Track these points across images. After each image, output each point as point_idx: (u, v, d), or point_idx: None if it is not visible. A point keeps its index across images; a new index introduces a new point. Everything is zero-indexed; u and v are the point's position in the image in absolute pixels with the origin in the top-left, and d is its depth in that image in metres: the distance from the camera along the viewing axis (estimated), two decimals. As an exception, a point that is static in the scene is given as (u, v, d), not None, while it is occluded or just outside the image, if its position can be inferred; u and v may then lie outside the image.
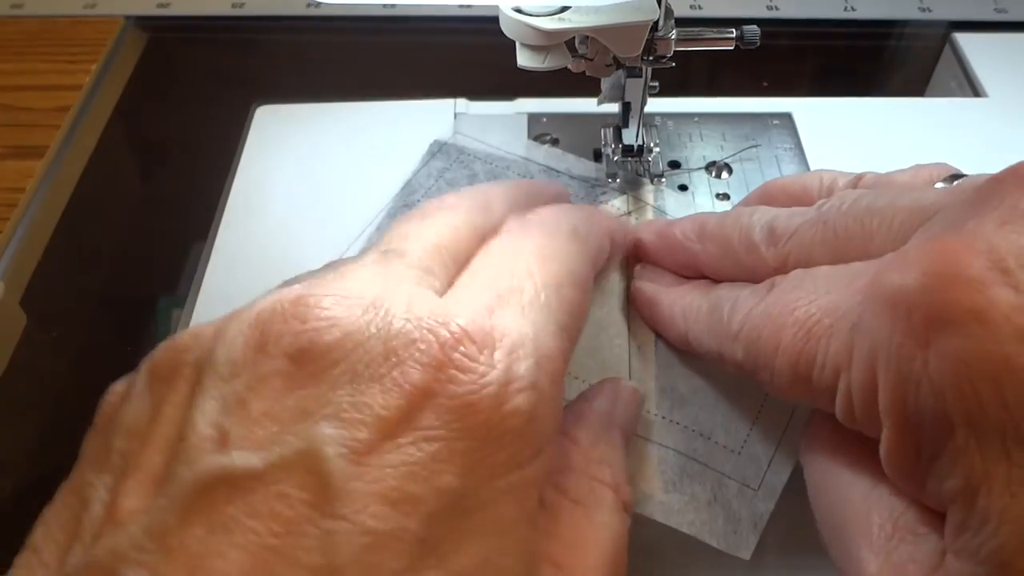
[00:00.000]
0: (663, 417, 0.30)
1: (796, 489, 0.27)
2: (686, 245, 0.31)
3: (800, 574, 0.30)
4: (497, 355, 0.21)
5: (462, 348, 0.20)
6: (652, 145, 0.39)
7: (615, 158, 0.39)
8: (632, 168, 0.39)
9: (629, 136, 0.38)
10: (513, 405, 0.20)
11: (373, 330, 0.20)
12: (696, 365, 0.31)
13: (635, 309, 0.33)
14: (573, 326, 0.24)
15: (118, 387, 0.23)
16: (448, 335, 0.20)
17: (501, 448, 0.20)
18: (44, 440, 0.38)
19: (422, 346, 0.20)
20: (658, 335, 0.32)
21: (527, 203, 0.30)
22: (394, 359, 0.20)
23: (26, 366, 0.39)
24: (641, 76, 0.35)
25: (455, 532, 0.19)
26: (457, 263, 0.24)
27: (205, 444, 0.19)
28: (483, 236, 0.26)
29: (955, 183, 0.27)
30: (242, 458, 0.18)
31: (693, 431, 0.30)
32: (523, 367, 0.21)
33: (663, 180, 0.39)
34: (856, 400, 0.21)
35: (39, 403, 0.39)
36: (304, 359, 0.20)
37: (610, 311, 0.33)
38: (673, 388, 0.31)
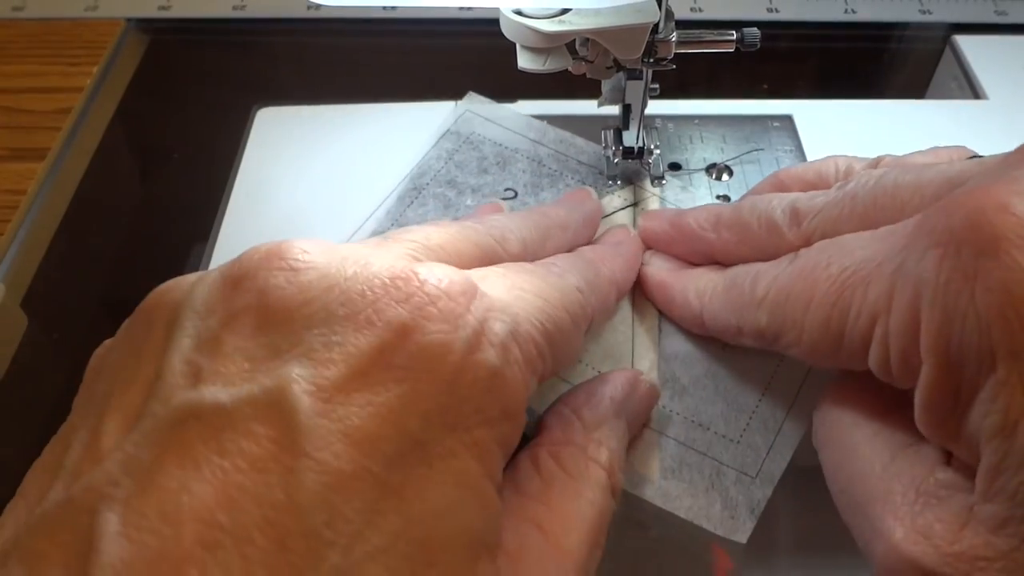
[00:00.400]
0: (663, 406, 0.31)
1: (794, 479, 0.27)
2: (700, 234, 0.31)
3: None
4: (475, 305, 0.21)
5: (441, 290, 0.20)
6: (652, 147, 0.39)
7: (616, 160, 0.39)
8: (633, 170, 0.39)
9: (629, 138, 0.38)
10: (484, 355, 0.20)
11: (350, 272, 0.20)
12: (697, 356, 0.32)
13: (645, 294, 0.33)
14: (551, 354, 0.24)
15: (107, 342, 0.23)
16: (430, 277, 0.21)
17: (468, 398, 0.20)
18: (45, 442, 0.38)
19: (400, 284, 0.20)
20: (667, 319, 0.32)
21: (546, 238, 0.30)
22: (370, 296, 0.20)
23: (27, 368, 0.39)
24: (641, 78, 0.35)
25: (417, 478, 0.19)
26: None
27: (178, 380, 0.19)
28: (489, 261, 0.26)
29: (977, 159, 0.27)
30: (212, 394, 0.18)
31: (692, 421, 0.30)
32: (498, 326, 0.21)
33: (664, 182, 0.39)
34: (894, 345, 0.22)
35: (40, 405, 0.39)
36: (277, 296, 0.20)
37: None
38: (674, 378, 0.31)
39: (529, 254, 0.29)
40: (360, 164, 0.41)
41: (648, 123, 0.41)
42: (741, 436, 0.30)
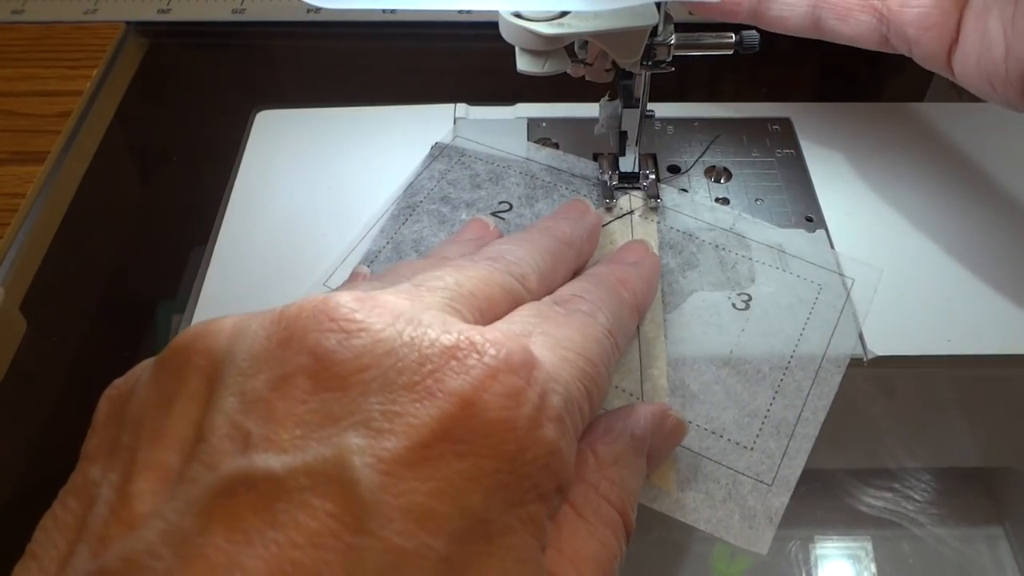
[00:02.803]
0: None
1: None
2: None
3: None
4: (535, 378, 0.20)
5: (501, 361, 0.19)
6: (648, 172, 0.39)
7: (612, 183, 0.39)
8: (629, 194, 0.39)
9: (626, 164, 0.38)
10: (544, 432, 0.19)
11: (407, 338, 0.19)
12: (705, 360, 0.32)
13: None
14: (590, 413, 0.23)
15: (119, 382, 0.21)
16: (490, 346, 0.20)
17: (528, 475, 0.19)
18: (44, 446, 0.38)
19: (460, 355, 0.19)
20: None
21: (558, 263, 0.29)
22: (430, 366, 0.19)
23: (26, 372, 0.39)
24: (637, 107, 0.35)
25: (477, 555, 0.18)
26: (485, 315, 0.24)
27: (225, 444, 0.18)
28: (516, 303, 0.25)
29: None
30: (264, 461, 0.17)
31: (705, 429, 0.30)
32: (556, 399, 0.20)
33: (660, 200, 0.38)
34: None
35: (39, 409, 0.39)
36: (331, 360, 0.19)
37: None
38: (684, 385, 0.31)
39: (545, 285, 0.28)
40: (359, 167, 0.41)
41: (646, 127, 0.41)
42: (755, 442, 0.30)
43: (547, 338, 0.23)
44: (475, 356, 0.19)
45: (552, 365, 0.22)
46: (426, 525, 0.17)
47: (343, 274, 0.36)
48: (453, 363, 0.19)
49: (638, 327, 0.33)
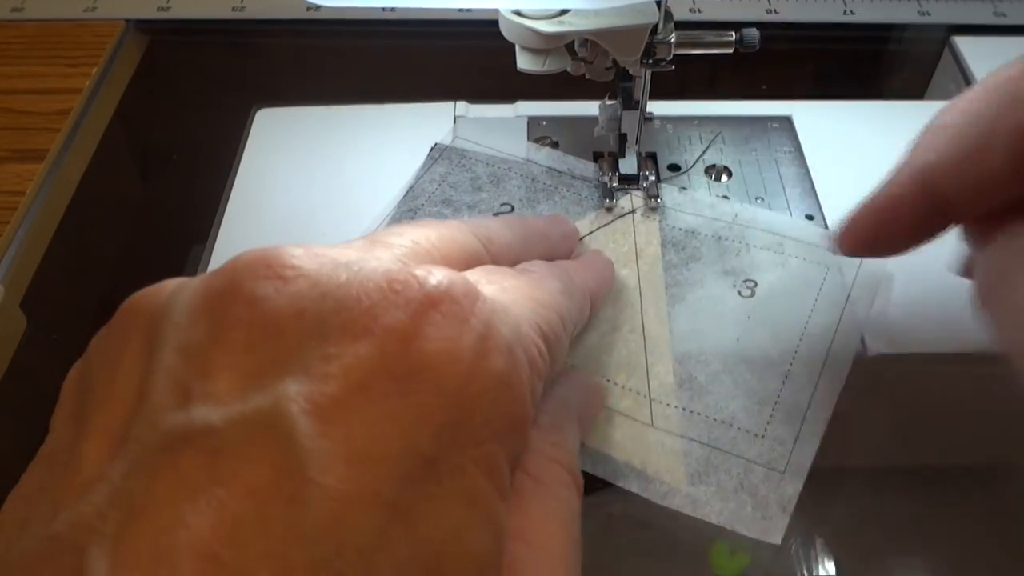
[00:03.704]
0: (683, 408, 0.30)
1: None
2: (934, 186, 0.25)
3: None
4: (478, 308, 0.19)
5: (442, 292, 0.19)
6: (648, 174, 0.39)
7: (612, 185, 0.39)
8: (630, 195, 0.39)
9: (626, 166, 0.38)
10: (492, 362, 0.19)
11: (343, 279, 0.19)
12: (712, 352, 0.32)
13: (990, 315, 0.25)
14: (549, 357, 0.23)
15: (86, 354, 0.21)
16: (429, 279, 0.19)
17: (477, 410, 0.18)
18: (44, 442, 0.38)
19: (397, 287, 0.18)
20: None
21: (527, 245, 0.29)
22: (366, 302, 0.18)
23: (27, 369, 0.39)
24: (637, 109, 0.35)
25: (425, 498, 0.17)
26: None
27: (165, 400, 0.17)
28: (473, 263, 0.25)
29: None
30: (203, 415, 0.17)
31: (715, 420, 0.30)
32: (504, 329, 0.20)
33: (660, 200, 0.38)
34: None
35: (39, 406, 0.39)
36: (267, 307, 0.18)
37: (622, 308, 0.33)
38: (691, 378, 0.31)
39: (511, 257, 0.28)
40: (359, 165, 0.41)
41: (646, 130, 0.41)
42: (765, 429, 0.30)
43: (495, 286, 0.23)
44: (415, 287, 0.19)
45: (499, 301, 0.21)
46: (369, 469, 0.16)
47: None
48: (391, 295, 0.18)
49: (642, 325, 0.33)
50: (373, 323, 0.18)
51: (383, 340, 0.18)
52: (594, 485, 0.29)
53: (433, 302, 0.19)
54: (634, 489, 0.29)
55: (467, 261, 0.25)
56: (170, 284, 0.20)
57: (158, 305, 0.19)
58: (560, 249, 0.33)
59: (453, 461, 0.18)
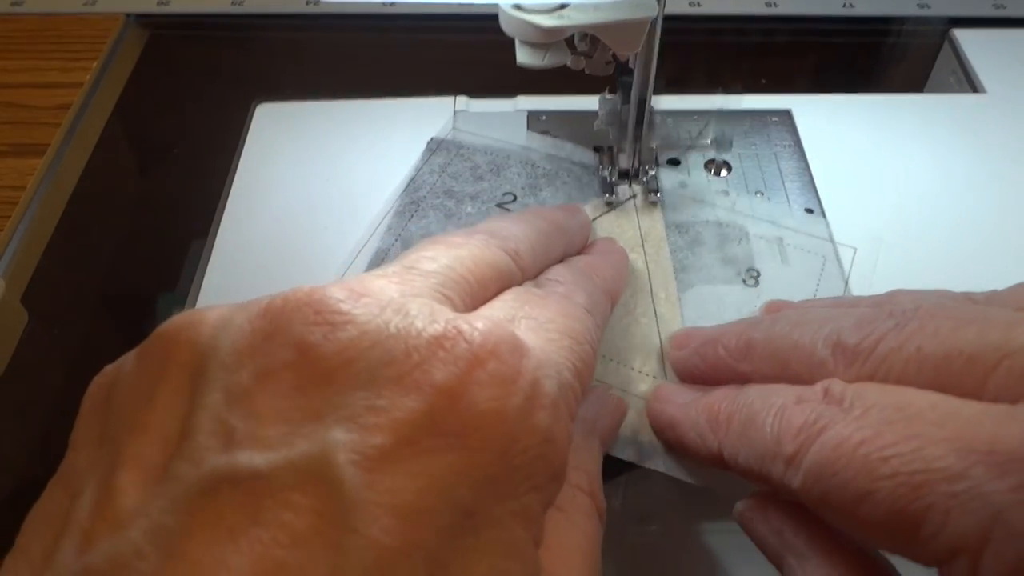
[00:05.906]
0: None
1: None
2: (733, 366, 0.28)
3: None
4: (525, 365, 0.20)
5: (489, 351, 0.19)
6: (647, 168, 0.39)
7: (612, 179, 0.39)
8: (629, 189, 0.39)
9: (625, 160, 0.39)
10: (538, 420, 0.19)
11: (392, 329, 0.19)
12: None
13: (656, 434, 0.30)
14: (581, 384, 0.23)
15: (109, 369, 0.21)
16: (478, 335, 0.19)
17: (520, 467, 0.19)
18: (45, 438, 0.38)
19: (448, 344, 0.19)
20: (688, 456, 0.29)
21: (549, 246, 0.29)
22: (416, 358, 0.18)
23: (27, 364, 0.39)
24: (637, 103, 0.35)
25: (464, 551, 0.18)
26: (475, 299, 0.24)
27: (209, 441, 0.17)
28: (506, 284, 0.25)
29: None
30: (248, 459, 0.17)
31: None
32: (549, 384, 0.20)
33: (659, 195, 0.38)
34: None
35: (40, 401, 0.39)
36: (316, 354, 0.18)
37: (635, 292, 0.34)
38: None
39: (536, 264, 0.28)
40: (360, 159, 0.41)
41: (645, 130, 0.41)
42: None
43: (530, 321, 0.23)
44: (463, 345, 0.19)
45: (541, 350, 0.21)
46: (412, 522, 0.17)
47: (353, 275, 0.36)
48: (440, 353, 0.18)
49: (654, 308, 0.33)
50: (423, 378, 0.18)
51: (432, 396, 0.18)
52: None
53: (480, 360, 0.19)
54: (660, 468, 0.29)
55: (500, 281, 0.25)
56: (211, 317, 0.20)
57: (201, 342, 0.19)
58: (577, 241, 0.33)
59: (493, 514, 0.18)
